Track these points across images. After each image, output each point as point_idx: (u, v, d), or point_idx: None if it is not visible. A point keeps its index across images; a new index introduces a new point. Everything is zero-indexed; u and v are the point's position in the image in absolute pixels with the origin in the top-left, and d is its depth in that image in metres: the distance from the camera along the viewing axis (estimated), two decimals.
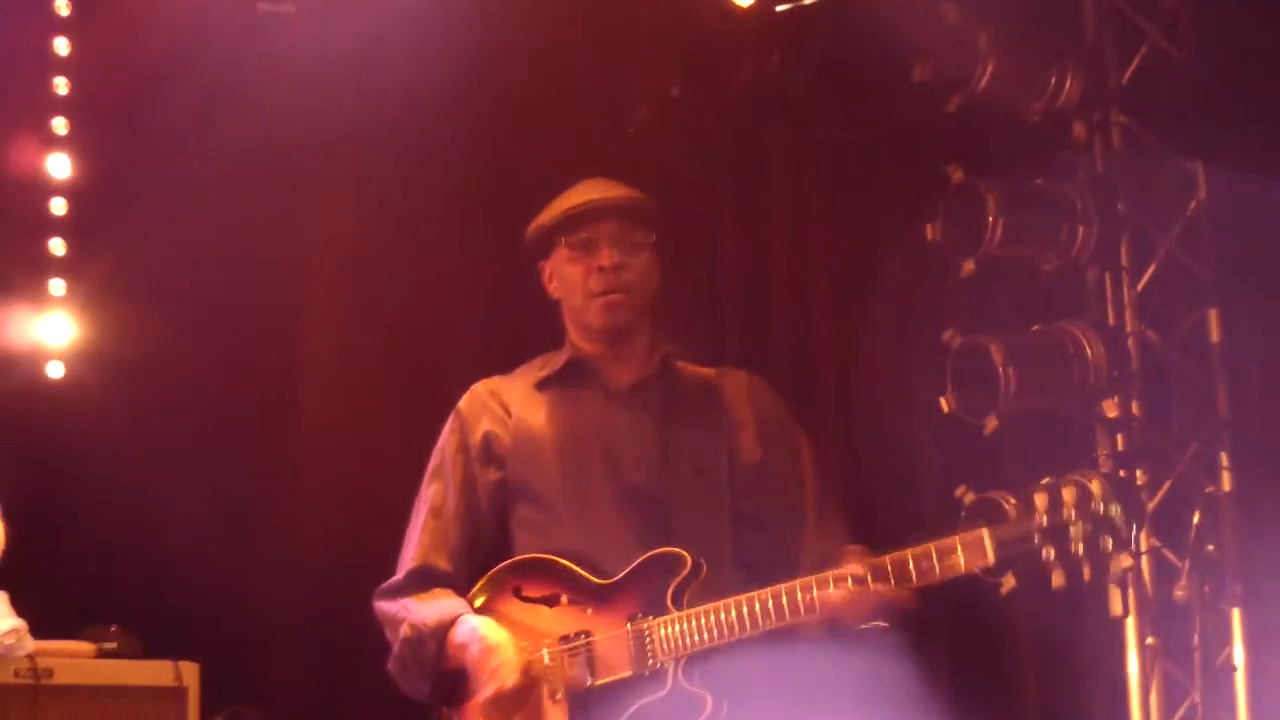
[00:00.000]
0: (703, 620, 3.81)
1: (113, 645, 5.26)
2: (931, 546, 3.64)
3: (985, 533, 3.59)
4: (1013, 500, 5.04)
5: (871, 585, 3.68)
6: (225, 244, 5.88)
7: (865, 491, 4.34)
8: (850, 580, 3.70)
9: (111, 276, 5.97)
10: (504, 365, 4.29)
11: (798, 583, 3.76)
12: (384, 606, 4.12)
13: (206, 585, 5.83)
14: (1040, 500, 3.57)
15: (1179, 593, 4.81)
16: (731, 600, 3.79)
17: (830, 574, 3.74)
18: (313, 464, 6.09)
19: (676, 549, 3.89)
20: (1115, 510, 3.55)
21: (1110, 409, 5.55)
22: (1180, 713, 5.55)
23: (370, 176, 6.08)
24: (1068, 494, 3.56)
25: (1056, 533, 3.56)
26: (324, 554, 5.97)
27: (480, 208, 5.98)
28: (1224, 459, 5.55)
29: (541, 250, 4.17)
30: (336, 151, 6.05)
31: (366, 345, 6.13)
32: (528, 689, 3.87)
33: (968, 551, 3.59)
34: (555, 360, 4.19)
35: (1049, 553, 3.55)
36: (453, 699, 4.01)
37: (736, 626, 3.78)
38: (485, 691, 3.89)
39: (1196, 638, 4.67)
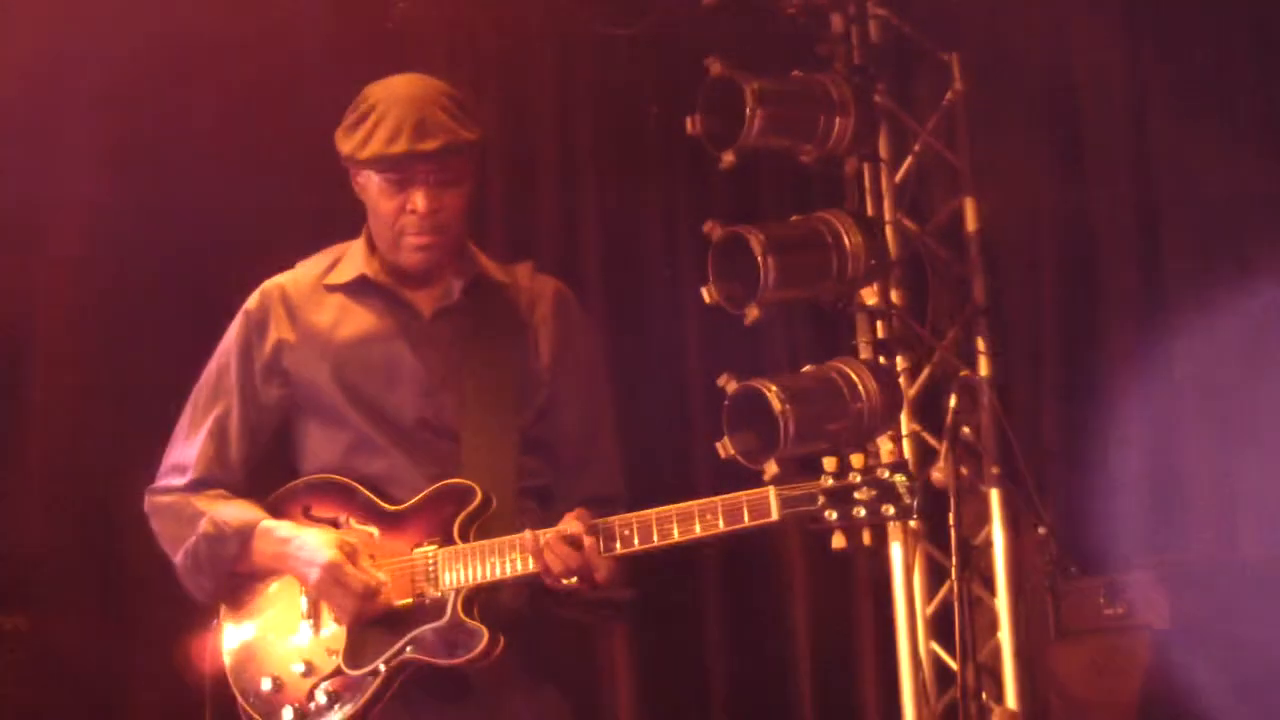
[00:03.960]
0: (485, 554, 3.80)
1: None
2: (718, 501, 3.67)
3: (771, 491, 3.65)
4: None
5: (582, 545, 3.70)
6: None
7: (632, 379, 4.36)
8: (562, 539, 3.73)
9: None
10: (253, 263, 4.19)
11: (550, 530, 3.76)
12: (165, 500, 4.01)
13: None
14: (829, 463, 3.65)
15: (936, 474, 4.92)
16: (509, 539, 3.78)
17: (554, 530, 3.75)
18: (63, 363, 5.93)
19: (468, 481, 3.86)
20: (900, 479, 3.62)
21: (869, 297, 5.65)
22: (942, 592, 5.70)
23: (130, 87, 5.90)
24: (856, 459, 3.64)
25: (840, 495, 3.64)
26: (84, 456, 5.84)
27: (240, 105, 5.85)
28: (980, 344, 5.69)
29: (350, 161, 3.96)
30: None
31: (118, 249, 5.97)
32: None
33: (753, 509, 3.65)
34: (347, 266, 4.03)
35: (831, 514, 3.63)
36: (233, 601, 3.97)
37: (507, 566, 3.78)
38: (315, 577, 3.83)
39: (952, 517, 4.80)
